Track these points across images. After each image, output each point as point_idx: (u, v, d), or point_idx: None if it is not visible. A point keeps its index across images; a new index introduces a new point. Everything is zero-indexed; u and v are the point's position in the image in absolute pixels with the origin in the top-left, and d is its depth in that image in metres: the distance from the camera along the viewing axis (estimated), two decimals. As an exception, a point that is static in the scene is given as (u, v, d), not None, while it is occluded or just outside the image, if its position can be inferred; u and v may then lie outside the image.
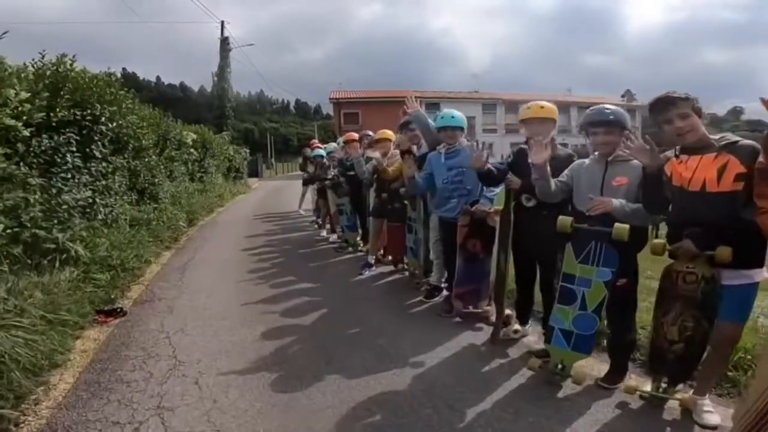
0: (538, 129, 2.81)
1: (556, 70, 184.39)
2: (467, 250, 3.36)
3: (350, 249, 6.22)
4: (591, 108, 2.57)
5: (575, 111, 34.89)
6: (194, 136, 12.64)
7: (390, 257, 5.43)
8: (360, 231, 6.08)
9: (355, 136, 6.19)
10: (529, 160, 2.58)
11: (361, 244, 6.16)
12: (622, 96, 38.80)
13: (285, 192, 16.14)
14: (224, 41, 26.87)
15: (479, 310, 3.54)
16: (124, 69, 65.40)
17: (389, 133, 5.01)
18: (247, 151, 22.22)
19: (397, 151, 4.72)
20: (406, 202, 4.62)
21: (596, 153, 2.57)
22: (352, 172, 5.82)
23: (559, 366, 2.56)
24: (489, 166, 2.84)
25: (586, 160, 2.64)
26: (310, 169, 7.79)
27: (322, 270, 5.39)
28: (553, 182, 2.61)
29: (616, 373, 2.59)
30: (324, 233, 7.44)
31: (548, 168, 2.55)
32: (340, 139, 7.57)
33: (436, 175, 3.54)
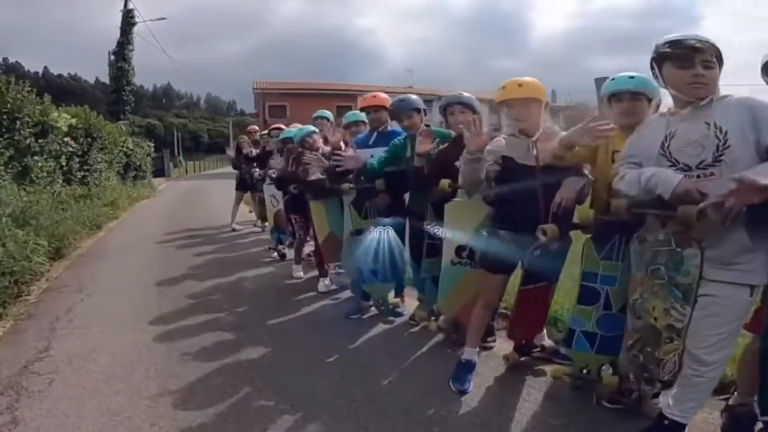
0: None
1: (472, 71, 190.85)
2: None
3: (374, 310, 3.36)
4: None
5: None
6: (71, 120, 8.80)
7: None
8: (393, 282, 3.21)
9: (383, 95, 3.41)
10: None
11: (400, 304, 3.34)
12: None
13: (203, 195, 12.92)
14: (128, 14, 22.37)
15: None
16: (5, 59, 54.98)
17: (537, 85, 2.21)
18: (152, 145, 17.88)
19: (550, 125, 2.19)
20: (590, 235, 1.97)
21: None
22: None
23: None
24: None
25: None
26: (276, 164, 4.59)
27: (361, 388, 2.40)
28: None
29: None
30: (299, 273, 4.45)
31: None
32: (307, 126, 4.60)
33: None
